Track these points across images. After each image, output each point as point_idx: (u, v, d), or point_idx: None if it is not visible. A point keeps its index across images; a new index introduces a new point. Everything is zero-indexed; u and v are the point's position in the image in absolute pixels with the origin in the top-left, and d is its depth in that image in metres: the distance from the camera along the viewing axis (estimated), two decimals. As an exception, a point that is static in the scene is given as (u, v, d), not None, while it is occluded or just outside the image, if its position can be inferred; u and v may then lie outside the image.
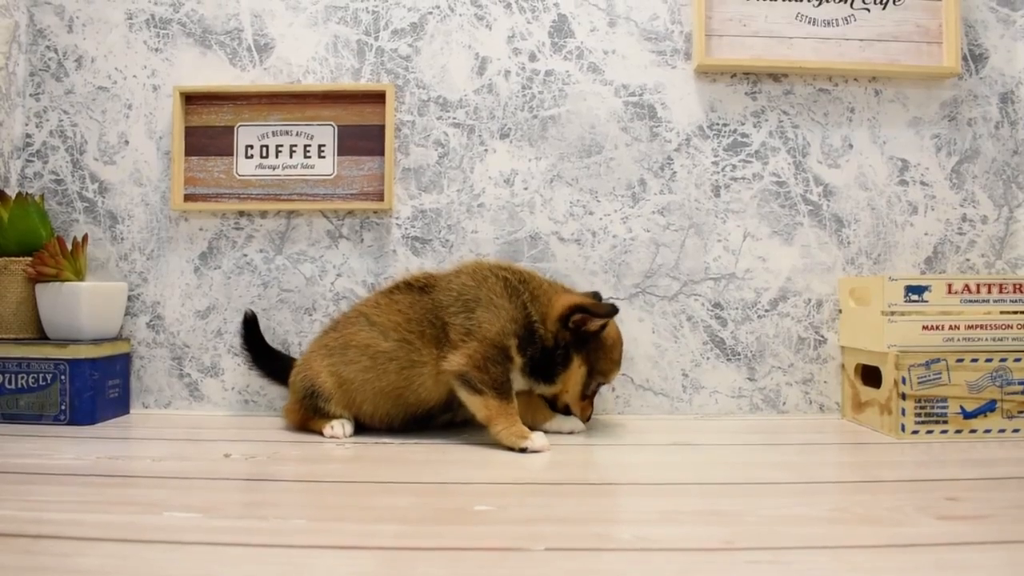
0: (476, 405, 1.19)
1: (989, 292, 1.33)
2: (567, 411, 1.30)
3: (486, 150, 1.46)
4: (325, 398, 1.26)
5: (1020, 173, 1.50)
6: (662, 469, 1.09)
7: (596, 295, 1.36)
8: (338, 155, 1.46)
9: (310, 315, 1.46)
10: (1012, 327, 1.32)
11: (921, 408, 1.28)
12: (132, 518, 0.84)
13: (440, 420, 1.31)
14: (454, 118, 1.46)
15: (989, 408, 1.29)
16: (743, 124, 1.47)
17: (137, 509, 0.87)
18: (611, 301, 1.42)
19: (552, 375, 1.25)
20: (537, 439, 1.17)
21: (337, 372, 1.26)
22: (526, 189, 1.46)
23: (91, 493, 0.94)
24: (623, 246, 1.46)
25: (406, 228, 1.46)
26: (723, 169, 1.47)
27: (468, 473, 1.05)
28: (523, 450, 1.15)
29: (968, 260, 1.49)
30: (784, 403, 1.47)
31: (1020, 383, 1.30)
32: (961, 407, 1.29)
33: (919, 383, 1.28)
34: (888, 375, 1.31)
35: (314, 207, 1.45)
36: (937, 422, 1.29)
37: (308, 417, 1.29)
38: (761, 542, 0.77)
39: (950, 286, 1.32)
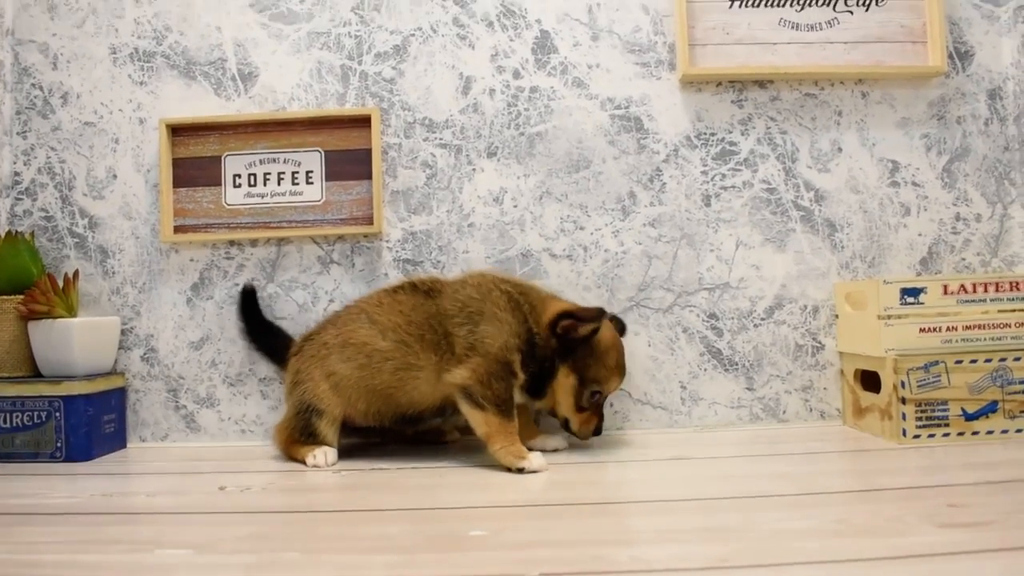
0: (477, 420, 1.18)
1: (986, 291, 1.31)
2: (567, 426, 1.28)
3: (474, 169, 1.46)
4: (319, 412, 1.25)
5: (1012, 169, 1.49)
6: (661, 485, 1.08)
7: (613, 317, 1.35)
8: (326, 180, 1.46)
9: (304, 342, 1.45)
10: (1011, 326, 1.31)
11: (922, 412, 1.27)
12: (123, 557, 0.83)
13: (430, 423, 1.31)
14: (440, 139, 1.46)
15: (991, 409, 1.28)
16: (731, 132, 1.47)
17: (128, 547, 0.86)
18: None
19: (542, 388, 1.24)
20: (535, 460, 1.15)
21: (334, 370, 1.26)
22: (516, 207, 1.45)
23: (83, 532, 0.93)
24: (615, 260, 1.45)
25: (397, 251, 1.45)
26: (712, 178, 1.46)
27: (463, 497, 1.04)
28: (520, 470, 1.14)
29: (964, 259, 1.48)
30: (784, 412, 1.45)
31: (1021, 382, 1.28)
32: (962, 409, 1.28)
33: (918, 386, 1.27)
34: (887, 380, 1.29)
35: (304, 233, 1.44)
36: (938, 425, 1.27)
37: (295, 439, 1.27)
38: (758, 559, 0.76)
39: (946, 287, 1.31)
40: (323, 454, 1.24)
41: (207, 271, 1.47)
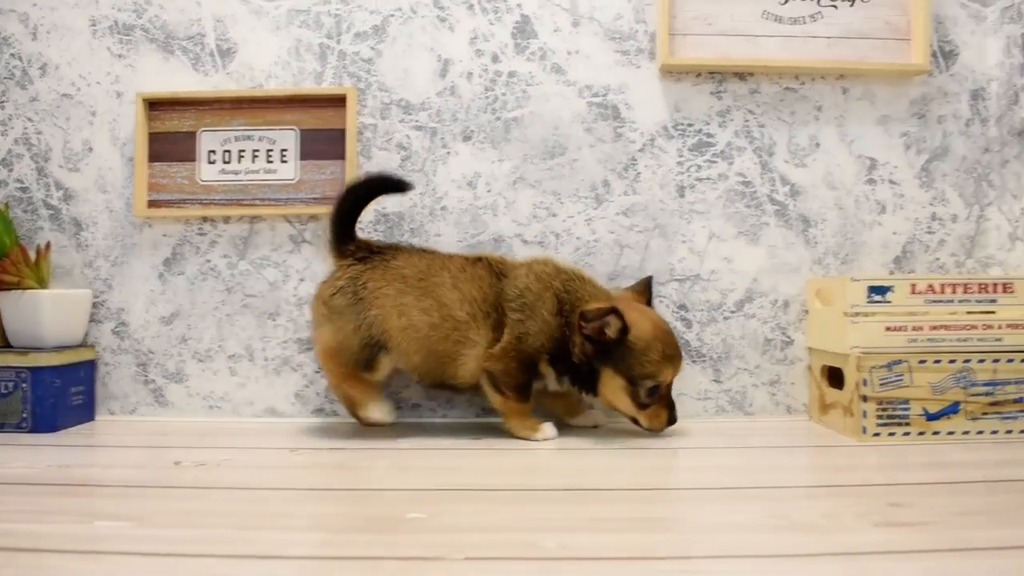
0: (496, 400, 1.27)
1: (954, 292, 1.31)
2: (637, 423, 1.27)
3: (448, 153, 1.46)
4: (387, 349, 1.27)
5: (991, 171, 1.48)
6: (612, 474, 1.08)
7: (647, 282, 1.36)
8: (300, 159, 1.45)
9: (273, 320, 1.46)
10: (977, 327, 1.30)
11: (883, 410, 1.27)
12: (62, 528, 0.83)
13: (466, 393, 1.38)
14: (416, 121, 1.46)
15: (952, 410, 1.27)
16: (708, 124, 1.46)
17: (69, 518, 0.87)
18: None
19: (594, 387, 1.25)
20: (546, 430, 1.27)
21: (407, 313, 1.26)
22: (489, 191, 1.45)
23: (31, 502, 0.93)
24: (587, 248, 1.45)
25: (369, 232, 1.45)
26: (688, 169, 1.46)
27: (414, 479, 1.04)
28: (535, 440, 1.26)
29: (938, 259, 1.47)
30: (751, 405, 1.45)
31: (984, 384, 1.28)
32: (924, 409, 1.27)
33: (881, 385, 1.27)
34: (850, 377, 1.29)
35: (277, 212, 1.44)
36: (899, 424, 1.27)
37: (351, 373, 1.29)
38: (683, 551, 0.76)
39: (914, 286, 1.30)
40: (379, 410, 1.33)
41: (179, 247, 1.47)
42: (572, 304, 1.25)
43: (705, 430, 1.36)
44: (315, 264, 1.45)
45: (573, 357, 1.24)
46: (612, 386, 1.23)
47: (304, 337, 1.45)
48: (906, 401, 1.27)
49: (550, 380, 1.28)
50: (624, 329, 1.20)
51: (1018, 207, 1.42)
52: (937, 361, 1.27)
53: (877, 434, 1.27)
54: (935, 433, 1.27)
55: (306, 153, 1.45)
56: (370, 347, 1.26)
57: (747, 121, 1.46)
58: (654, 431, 1.27)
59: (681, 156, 1.45)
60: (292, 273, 1.46)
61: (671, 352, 1.23)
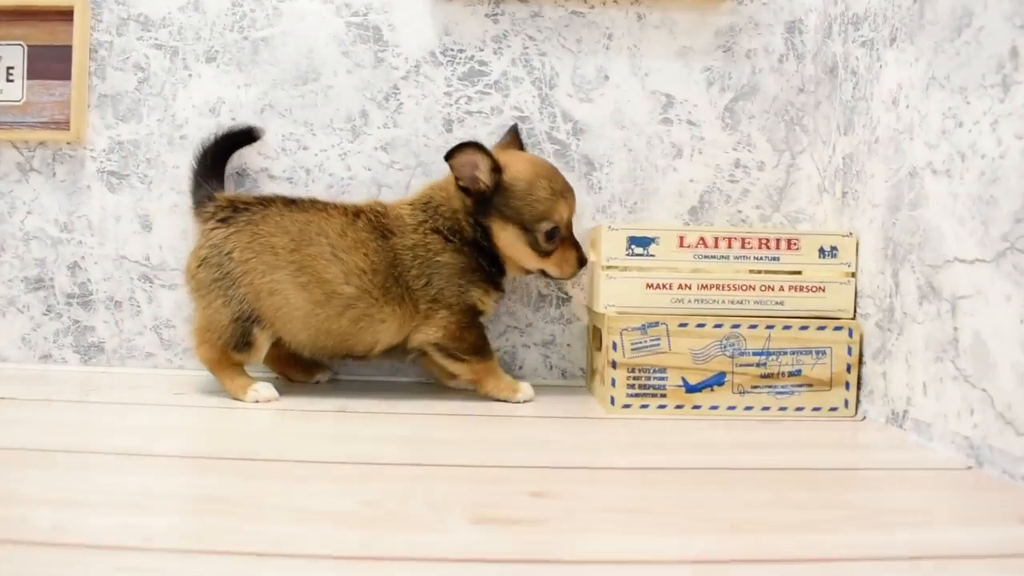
0: (461, 370, 1.17)
1: (730, 247, 1.16)
2: (547, 275, 1.18)
3: (190, 75, 1.30)
4: (260, 323, 1.12)
5: (805, 114, 1.31)
6: (258, 439, 0.95)
7: (514, 130, 1.25)
8: (28, 79, 1.30)
9: (-2, 257, 1.32)
10: (755, 288, 1.15)
11: (635, 379, 1.12)
12: None
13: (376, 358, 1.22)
14: (156, 39, 1.30)
15: (717, 381, 1.13)
16: (482, 50, 1.30)
17: None
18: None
19: (497, 266, 1.17)
20: (526, 389, 1.17)
21: (281, 289, 1.11)
22: (234, 120, 1.29)
23: None
24: (340, 186, 1.30)
25: (102, 161, 1.30)
26: (457, 101, 1.30)
27: (45, 437, 0.91)
28: (517, 402, 1.16)
29: (740, 212, 1.32)
30: (521, 367, 1.31)
31: (756, 354, 1.13)
32: (683, 379, 1.13)
33: (633, 349, 1.12)
34: (605, 340, 1.14)
35: (2, 136, 1.30)
36: (654, 395, 1.13)
37: (226, 353, 1.13)
38: (188, 543, 0.62)
39: (682, 239, 1.15)
40: (267, 388, 1.14)
41: (-102, 172, 1.33)
42: (452, 214, 1.15)
43: (432, 389, 1.22)
44: (43, 196, 1.31)
45: (466, 229, 1.14)
46: (507, 239, 1.14)
47: (32, 275, 1.31)
48: (663, 369, 1.13)
49: (489, 308, 1.18)
50: (496, 168, 1.11)
51: (827, 155, 1.25)
52: (700, 325, 1.13)
53: (628, 405, 1.13)
54: (696, 407, 1.13)
55: (34, 72, 1.30)
56: (242, 322, 1.11)
57: (526, 48, 1.29)
58: (566, 278, 1.18)
59: (450, 86, 1.29)
60: (19, 205, 1.31)
61: (558, 187, 1.14)
